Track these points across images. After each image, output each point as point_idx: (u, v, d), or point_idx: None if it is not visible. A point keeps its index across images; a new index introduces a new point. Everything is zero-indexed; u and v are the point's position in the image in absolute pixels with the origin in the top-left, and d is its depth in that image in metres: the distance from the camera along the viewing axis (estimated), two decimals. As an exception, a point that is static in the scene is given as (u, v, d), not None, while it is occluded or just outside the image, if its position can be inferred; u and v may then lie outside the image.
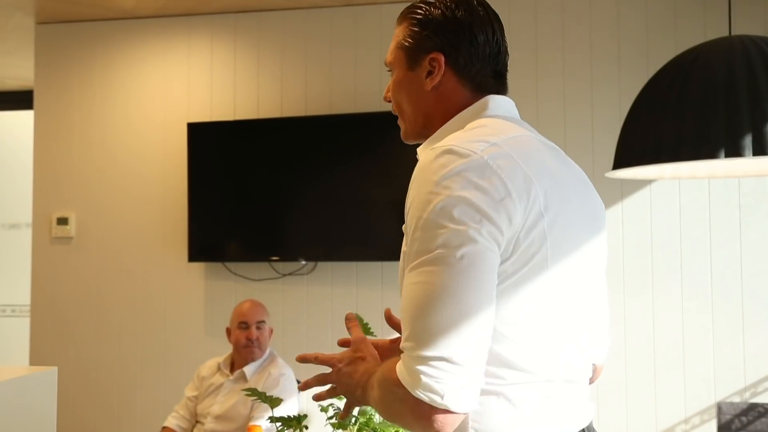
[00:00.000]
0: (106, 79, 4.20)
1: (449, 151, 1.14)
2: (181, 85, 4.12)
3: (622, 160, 2.33)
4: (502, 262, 1.12)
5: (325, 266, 3.92)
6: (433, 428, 1.08)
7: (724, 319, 3.55)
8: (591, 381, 1.37)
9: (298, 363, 1.38)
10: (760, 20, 3.56)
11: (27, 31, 4.27)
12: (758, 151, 2.04)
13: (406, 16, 1.34)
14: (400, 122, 1.40)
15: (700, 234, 3.59)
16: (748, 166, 2.51)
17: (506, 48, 1.33)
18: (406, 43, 1.32)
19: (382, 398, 1.17)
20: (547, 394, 1.18)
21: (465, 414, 1.10)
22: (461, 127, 1.25)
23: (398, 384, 1.10)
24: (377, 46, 3.93)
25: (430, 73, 1.29)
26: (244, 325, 3.27)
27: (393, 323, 1.43)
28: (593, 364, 1.36)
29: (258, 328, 3.26)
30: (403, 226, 1.22)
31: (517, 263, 1.13)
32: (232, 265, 4.00)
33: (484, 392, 1.12)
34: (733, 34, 2.39)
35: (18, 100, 5.20)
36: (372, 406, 1.25)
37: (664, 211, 3.62)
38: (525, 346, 1.15)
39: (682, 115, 2.15)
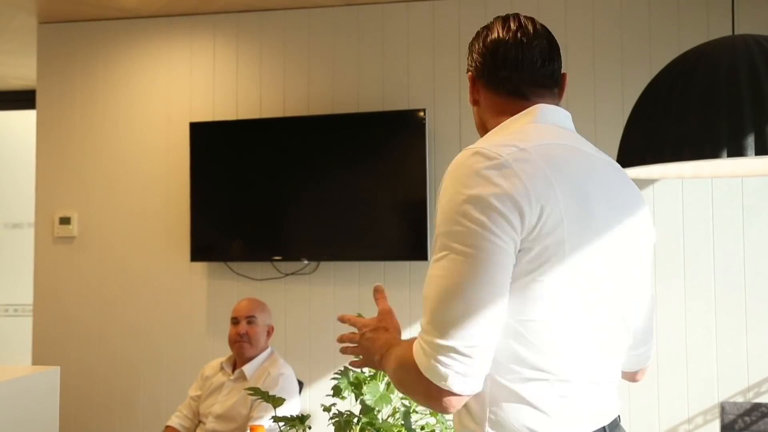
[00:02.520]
0: (109, 79, 4.20)
1: (477, 153, 1.23)
2: (184, 85, 4.12)
3: (625, 160, 2.33)
4: (517, 261, 1.20)
5: (327, 266, 3.92)
6: (441, 406, 1.22)
7: (727, 319, 3.54)
8: (636, 379, 1.53)
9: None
10: (763, 20, 3.55)
11: (29, 30, 4.27)
12: (761, 151, 2.03)
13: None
14: None
15: (703, 233, 3.59)
16: (752, 165, 2.50)
17: None
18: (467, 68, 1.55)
19: (397, 373, 1.33)
20: (563, 394, 1.24)
21: (468, 395, 1.22)
22: (501, 132, 1.36)
23: (414, 365, 1.23)
24: (380, 46, 3.93)
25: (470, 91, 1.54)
26: (234, 321, 3.28)
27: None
28: (640, 365, 1.51)
29: (249, 323, 3.26)
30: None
31: (533, 263, 1.20)
32: (234, 265, 4.00)
33: (501, 386, 1.23)
34: (736, 33, 2.39)
35: (20, 99, 5.21)
36: (388, 375, 1.44)
37: (666, 210, 3.61)
38: (540, 344, 1.22)
39: (685, 114, 2.15)
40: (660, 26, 3.68)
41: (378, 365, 1.47)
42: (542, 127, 1.34)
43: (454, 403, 1.22)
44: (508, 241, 1.18)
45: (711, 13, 3.61)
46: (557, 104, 1.42)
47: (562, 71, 1.46)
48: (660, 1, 3.68)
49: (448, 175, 1.26)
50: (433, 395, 1.21)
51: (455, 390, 1.19)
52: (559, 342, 1.23)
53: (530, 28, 1.41)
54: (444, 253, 1.20)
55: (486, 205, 1.18)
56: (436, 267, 1.22)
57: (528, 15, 1.46)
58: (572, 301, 1.24)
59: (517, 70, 1.39)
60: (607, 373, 1.33)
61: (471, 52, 1.45)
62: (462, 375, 1.18)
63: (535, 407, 1.23)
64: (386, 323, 1.51)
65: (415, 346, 1.25)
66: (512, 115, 1.38)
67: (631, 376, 1.53)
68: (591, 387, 1.29)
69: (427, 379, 1.20)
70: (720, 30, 3.44)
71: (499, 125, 1.38)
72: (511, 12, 1.49)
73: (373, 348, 1.48)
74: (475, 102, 1.46)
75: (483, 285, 1.17)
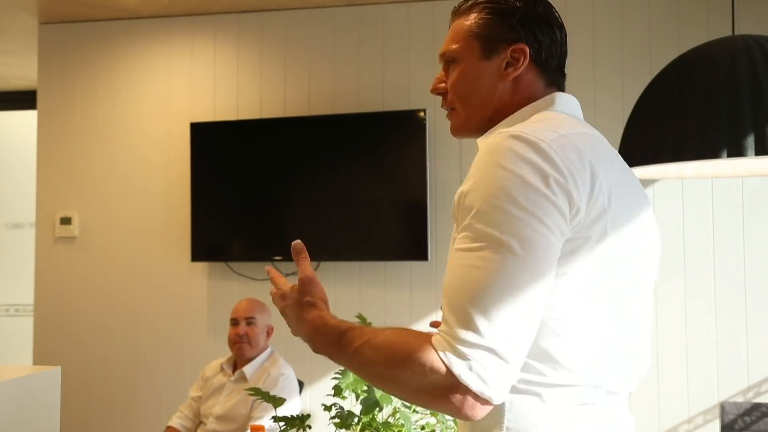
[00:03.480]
0: (109, 79, 4.20)
1: (517, 137, 1.11)
2: (184, 85, 4.13)
3: (625, 160, 2.33)
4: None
5: (328, 266, 3.92)
6: (462, 413, 1.06)
7: (727, 319, 3.54)
8: None
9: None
10: (763, 20, 3.55)
11: (30, 31, 4.27)
12: (761, 151, 2.04)
13: (477, 4, 1.30)
14: (453, 116, 1.34)
15: (703, 234, 3.59)
16: (752, 165, 2.50)
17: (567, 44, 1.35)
18: (483, 32, 1.28)
19: (388, 370, 1.13)
20: (584, 401, 1.15)
21: (496, 404, 1.08)
22: (524, 119, 1.22)
23: (426, 360, 1.07)
24: (380, 46, 3.94)
25: (509, 64, 1.27)
26: (234, 322, 3.28)
27: None
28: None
29: (248, 324, 3.26)
30: (453, 209, 1.18)
31: (573, 257, 1.10)
32: (234, 265, 4.00)
33: (520, 390, 1.11)
34: (736, 33, 2.39)
35: (21, 99, 5.21)
36: (350, 365, 1.24)
37: (666, 211, 3.61)
38: (571, 343, 1.12)
39: (685, 114, 2.15)
40: (660, 26, 3.68)
41: (324, 351, 1.30)
42: (564, 116, 1.24)
43: (480, 412, 1.07)
44: (557, 233, 1.07)
45: (711, 13, 3.61)
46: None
47: None
48: (660, 1, 3.68)
49: (485, 159, 1.12)
50: (458, 399, 1.05)
51: (491, 397, 1.05)
52: (589, 343, 1.13)
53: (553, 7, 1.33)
54: (481, 243, 1.06)
55: (533, 192, 1.06)
56: (474, 258, 1.07)
57: None
58: (606, 301, 1.14)
59: (559, 55, 1.31)
60: (624, 383, 1.21)
61: (526, 21, 1.27)
62: (500, 382, 1.05)
63: (554, 414, 1.13)
64: (311, 296, 1.41)
65: (437, 341, 1.08)
66: (532, 102, 1.27)
67: None
68: (609, 397, 1.18)
69: (454, 381, 1.04)
70: (720, 30, 3.44)
71: (514, 114, 1.25)
72: None
73: (303, 328, 1.38)
74: (514, 80, 1.27)
75: (528, 282, 1.05)
